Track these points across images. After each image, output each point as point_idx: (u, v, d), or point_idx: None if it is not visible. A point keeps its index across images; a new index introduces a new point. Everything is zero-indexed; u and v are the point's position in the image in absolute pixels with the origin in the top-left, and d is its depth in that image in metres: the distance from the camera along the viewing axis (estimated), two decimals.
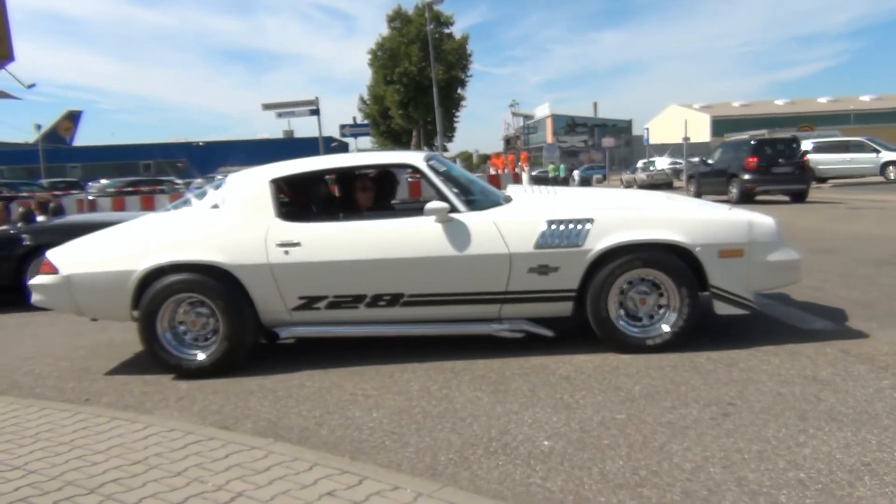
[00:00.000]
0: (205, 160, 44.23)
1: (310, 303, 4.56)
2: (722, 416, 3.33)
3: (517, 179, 11.63)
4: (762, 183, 17.58)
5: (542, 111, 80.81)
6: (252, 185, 4.80)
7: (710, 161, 21.48)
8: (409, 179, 13.38)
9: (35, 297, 4.88)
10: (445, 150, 49.57)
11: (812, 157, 26.39)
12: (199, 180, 21.73)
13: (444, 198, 4.57)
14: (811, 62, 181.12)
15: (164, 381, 4.50)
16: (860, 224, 12.47)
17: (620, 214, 4.55)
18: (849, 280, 6.54)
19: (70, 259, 4.76)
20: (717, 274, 4.41)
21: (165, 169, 46.56)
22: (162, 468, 2.99)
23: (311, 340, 4.98)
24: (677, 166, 36.49)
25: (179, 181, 22.42)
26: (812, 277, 6.69)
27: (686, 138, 38.20)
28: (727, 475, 2.73)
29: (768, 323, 4.93)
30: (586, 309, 4.49)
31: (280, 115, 17.05)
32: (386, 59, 44.39)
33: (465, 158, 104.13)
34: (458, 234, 4.44)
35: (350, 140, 25.38)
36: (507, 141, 78.98)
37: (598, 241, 4.38)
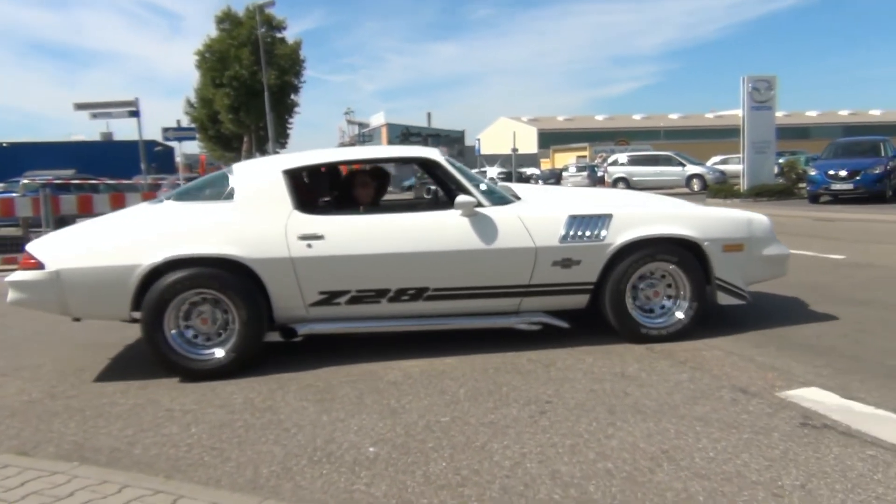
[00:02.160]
0: (9, 163, 40.43)
1: (330, 298, 4.43)
2: (540, 413, 3.48)
3: None
4: None
5: (377, 120, 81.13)
6: (266, 176, 4.60)
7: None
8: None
9: (12, 296, 4.32)
10: None
11: (627, 169, 28.75)
12: (0, 185, 19.79)
13: (466, 192, 4.60)
14: (627, 81, 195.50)
15: None
16: None
17: (636, 211, 4.82)
18: None
19: (58, 253, 4.28)
20: (720, 267, 4.75)
21: None
22: None
23: (130, 353, 4.70)
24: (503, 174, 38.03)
25: None
26: None
27: (514, 149, 39.94)
28: (542, 469, 2.86)
29: (586, 324, 5.21)
30: (603, 301, 4.66)
31: (95, 115, 15.86)
32: (215, 61, 42.73)
33: None
34: (485, 228, 4.50)
35: (174, 144, 24.14)
36: None
37: (619, 236, 4.59)
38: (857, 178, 15.95)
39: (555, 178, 39.53)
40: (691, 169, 27.52)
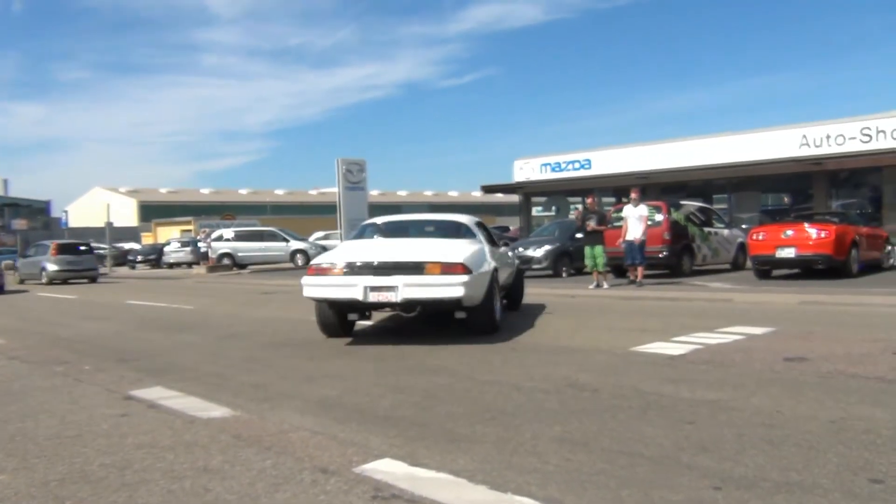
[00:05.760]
0: None
1: None
2: None
3: None
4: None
5: None
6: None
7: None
8: None
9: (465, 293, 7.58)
10: None
11: (232, 245, 28.59)
12: None
13: (494, 240, 10.11)
14: (235, 156, 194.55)
15: None
16: (268, 308, 13.67)
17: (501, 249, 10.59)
18: (250, 364, 7.04)
19: (471, 263, 7.73)
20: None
21: None
22: None
23: None
24: (100, 250, 35.16)
25: None
26: (217, 364, 7.03)
27: (109, 222, 37.04)
28: None
29: (159, 419, 4.88)
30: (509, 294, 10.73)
31: None
32: None
33: None
34: (507, 255, 10.97)
35: None
36: None
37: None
38: None
39: (156, 253, 37.58)
40: (295, 244, 28.43)
